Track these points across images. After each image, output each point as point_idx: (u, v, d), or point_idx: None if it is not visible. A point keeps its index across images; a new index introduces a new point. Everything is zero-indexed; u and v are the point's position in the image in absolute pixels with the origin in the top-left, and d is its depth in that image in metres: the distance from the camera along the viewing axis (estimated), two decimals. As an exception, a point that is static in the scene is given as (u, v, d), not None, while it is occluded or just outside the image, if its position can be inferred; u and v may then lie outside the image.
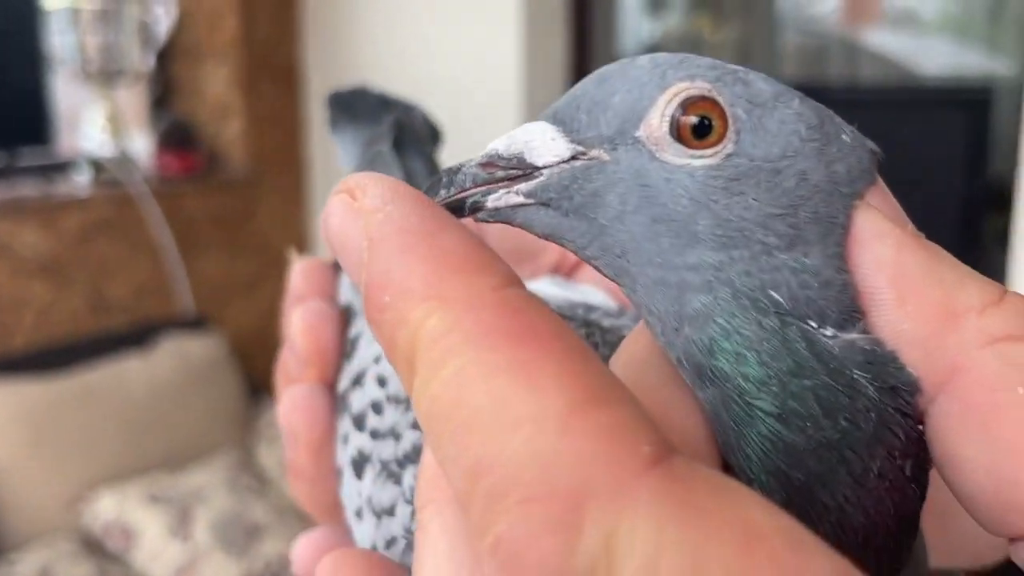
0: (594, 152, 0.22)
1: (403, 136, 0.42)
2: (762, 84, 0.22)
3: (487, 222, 0.23)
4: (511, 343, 0.17)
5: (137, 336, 2.15)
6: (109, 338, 2.14)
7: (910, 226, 0.21)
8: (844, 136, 0.22)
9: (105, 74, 2.24)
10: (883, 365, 0.20)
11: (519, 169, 0.22)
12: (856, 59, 3.21)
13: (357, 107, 0.45)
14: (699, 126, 0.21)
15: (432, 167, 0.44)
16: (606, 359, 0.29)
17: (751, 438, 0.20)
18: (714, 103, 0.21)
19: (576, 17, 2.37)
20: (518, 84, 2.20)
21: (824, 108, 0.22)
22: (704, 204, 0.21)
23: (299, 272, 0.36)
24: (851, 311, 0.20)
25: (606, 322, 0.32)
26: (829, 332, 0.20)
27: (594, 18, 2.51)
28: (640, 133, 0.21)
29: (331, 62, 2.51)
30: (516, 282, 0.19)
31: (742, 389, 0.20)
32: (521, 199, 0.22)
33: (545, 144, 0.22)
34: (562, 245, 0.23)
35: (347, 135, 0.45)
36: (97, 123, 2.27)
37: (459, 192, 0.22)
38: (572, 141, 0.22)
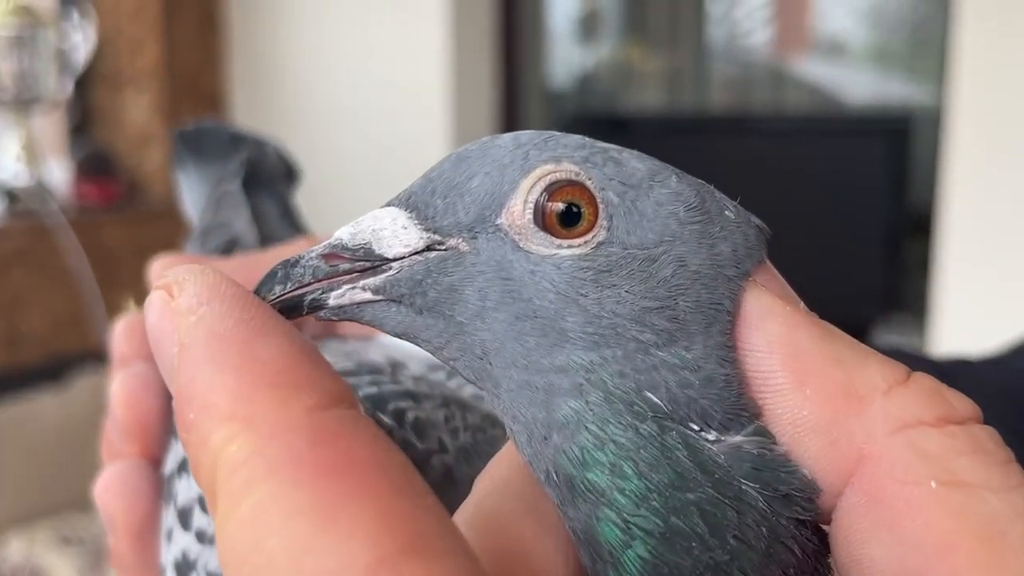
0: (451, 242, 0.21)
1: (254, 174, 0.41)
2: (636, 163, 0.21)
3: (330, 321, 0.21)
4: (320, 477, 0.15)
5: (52, 371, 2.08)
6: (22, 373, 2.07)
7: (802, 304, 0.20)
8: (727, 212, 0.21)
9: (20, 101, 2.17)
10: (773, 470, 0.19)
11: (367, 261, 0.21)
12: (783, 88, 3.27)
13: (205, 144, 0.43)
14: (566, 213, 0.20)
15: (286, 208, 0.42)
16: (467, 447, 0.27)
17: (629, 564, 0.19)
18: (583, 187, 0.20)
19: (504, 45, 2.37)
20: (445, 113, 2.19)
21: (704, 185, 0.21)
22: (572, 299, 0.20)
23: (122, 331, 0.32)
24: (738, 409, 0.19)
25: (468, 391, 0.30)
26: (712, 436, 0.19)
27: (522, 46, 2.52)
28: (502, 221, 0.21)
29: (257, 89, 2.47)
30: (342, 401, 0.17)
31: (619, 505, 0.19)
32: (369, 295, 0.21)
33: (396, 233, 0.21)
34: (417, 345, 0.21)
35: (192, 174, 0.43)
36: (11, 151, 2.20)
37: (296, 288, 0.21)
38: (426, 229, 0.21)
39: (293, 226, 0.42)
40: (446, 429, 0.28)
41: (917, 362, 0.24)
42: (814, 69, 3.22)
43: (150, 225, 2.40)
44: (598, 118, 3.05)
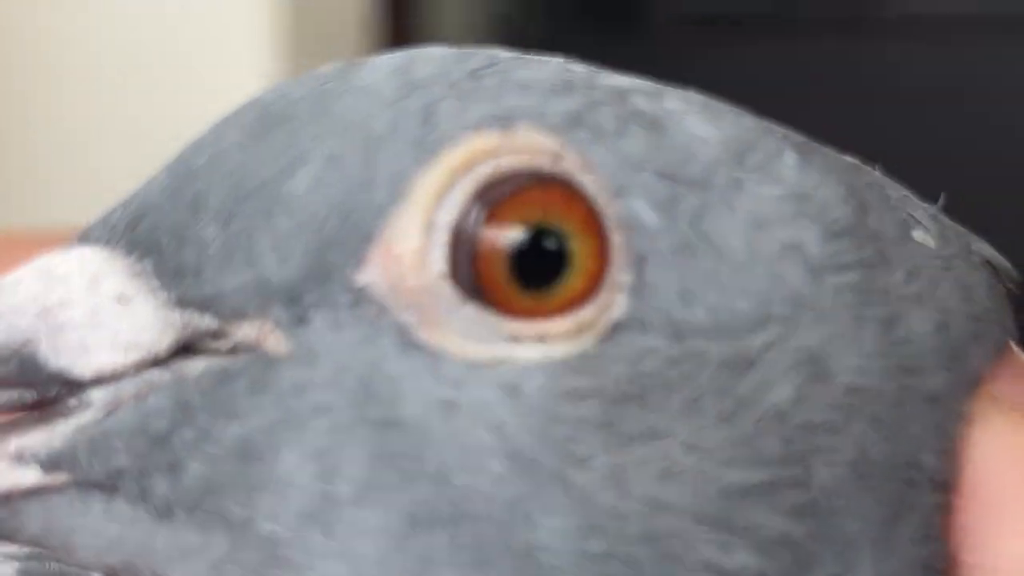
0: (244, 331, 0.18)
1: None
2: (698, 124, 0.19)
3: None
4: None
5: None
6: None
7: None
8: (916, 234, 0.19)
9: None
10: None
11: (25, 387, 0.18)
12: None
13: None
14: (531, 254, 0.18)
15: None
16: None
17: None
18: (567, 189, 0.18)
19: None
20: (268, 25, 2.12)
21: (858, 168, 0.20)
22: (553, 475, 0.17)
23: None
24: None
25: None
26: None
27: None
28: (370, 277, 0.18)
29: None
30: None
31: None
32: (33, 476, 0.18)
33: (100, 313, 0.18)
34: None
35: None
36: None
37: None
38: (181, 301, 0.18)
39: None
40: None
41: None
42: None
43: None
44: (579, 5, 3.05)
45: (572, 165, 0.18)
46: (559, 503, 0.17)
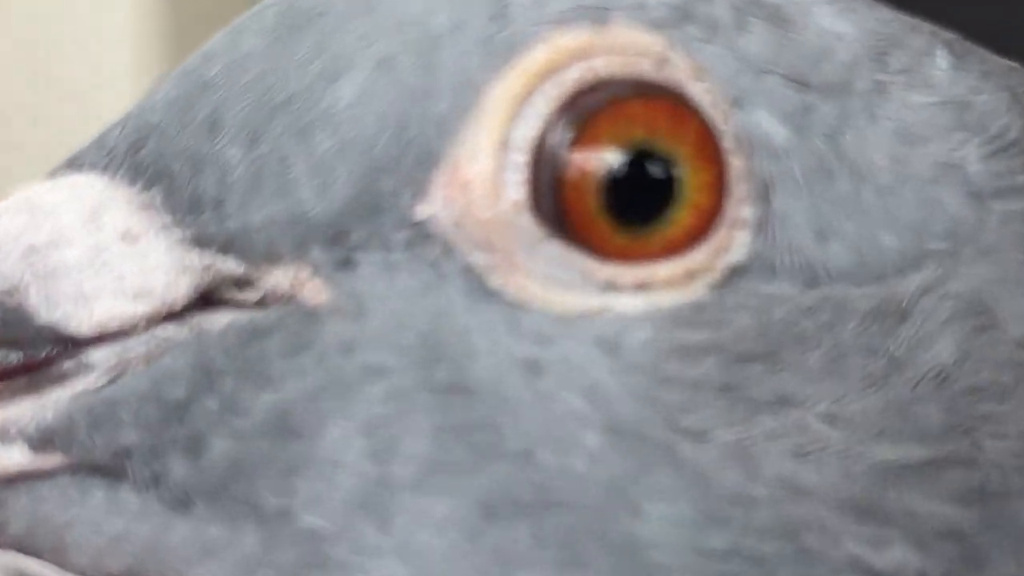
0: (276, 277, 0.17)
1: None
2: (831, 19, 0.17)
3: None
4: None
5: None
6: None
7: None
8: None
9: None
10: None
11: (7, 344, 0.17)
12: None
13: None
14: (631, 181, 0.16)
15: None
16: None
17: None
18: (676, 101, 0.17)
19: None
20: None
21: (1015, 67, 0.18)
22: (665, 449, 0.16)
23: None
24: None
25: None
26: None
27: None
28: (429, 209, 0.17)
29: None
30: None
31: None
32: (20, 457, 0.16)
33: (103, 253, 0.17)
34: None
35: None
36: None
37: None
38: (199, 240, 0.17)
39: None
40: None
41: None
42: None
43: None
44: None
45: (681, 71, 0.16)
46: (670, 486, 0.16)
